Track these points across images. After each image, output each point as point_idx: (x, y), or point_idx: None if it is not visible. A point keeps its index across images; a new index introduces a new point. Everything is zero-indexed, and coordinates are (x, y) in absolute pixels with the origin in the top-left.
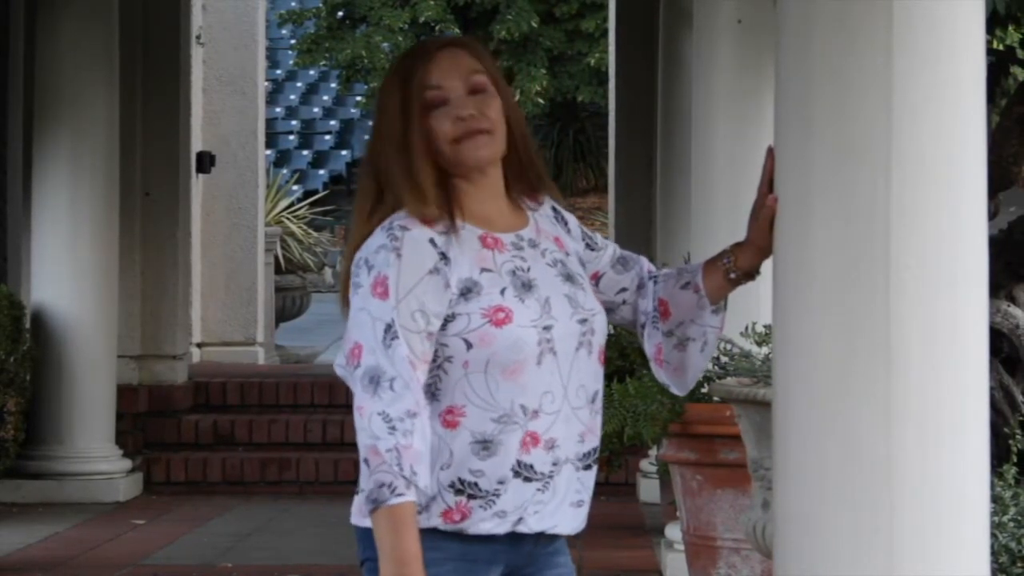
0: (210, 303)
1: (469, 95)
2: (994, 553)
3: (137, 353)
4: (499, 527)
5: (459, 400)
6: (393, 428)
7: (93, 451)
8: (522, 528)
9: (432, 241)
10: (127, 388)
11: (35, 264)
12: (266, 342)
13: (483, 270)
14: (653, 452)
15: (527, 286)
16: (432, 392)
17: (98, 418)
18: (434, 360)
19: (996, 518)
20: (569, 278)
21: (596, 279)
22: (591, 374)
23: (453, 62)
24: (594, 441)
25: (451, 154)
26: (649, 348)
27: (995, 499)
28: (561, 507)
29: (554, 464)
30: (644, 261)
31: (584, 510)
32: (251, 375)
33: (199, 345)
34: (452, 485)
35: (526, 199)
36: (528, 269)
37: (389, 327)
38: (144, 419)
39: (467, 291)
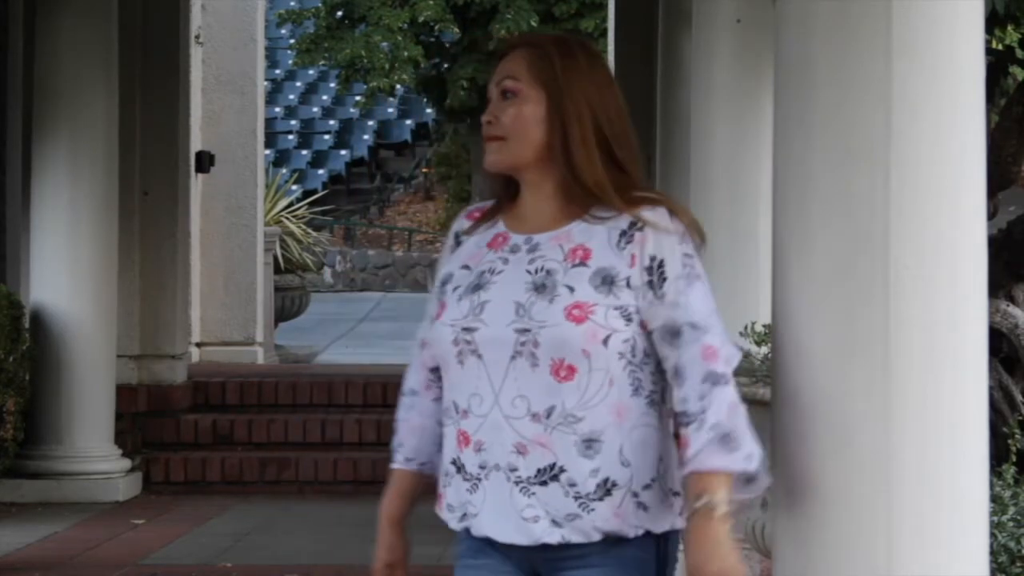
0: (209, 303)
1: (500, 100)
2: (993, 553)
3: (136, 353)
4: (451, 521)
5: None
6: (401, 402)
7: (92, 451)
8: (474, 533)
9: (456, 235)
10: (126, 388)
11: (34, 264)
12: (265, 342)
13: (464, 267)
14: None
15: (477, 287)
16: None
17: (97, 418)
18: None
19: (995, 518)
20: (540, 288)
21: (648, 330)
22: (540, 388)
23: (504, 65)
24: (549, 457)
25: None
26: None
27: (994, 499)
28: (497, 517)
29: (481, 467)
30: (697, 371)
31: (542, 526)
32: (250, 375)
33: (198, 345)
34: (446, 473)
35: (598, 207)
36: (498, 272)
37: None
38: (143, 419)
39: (444, 283)
